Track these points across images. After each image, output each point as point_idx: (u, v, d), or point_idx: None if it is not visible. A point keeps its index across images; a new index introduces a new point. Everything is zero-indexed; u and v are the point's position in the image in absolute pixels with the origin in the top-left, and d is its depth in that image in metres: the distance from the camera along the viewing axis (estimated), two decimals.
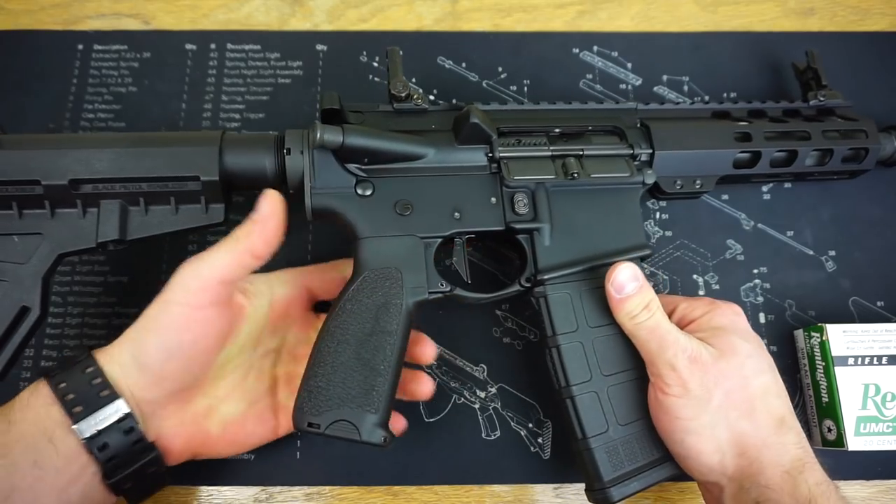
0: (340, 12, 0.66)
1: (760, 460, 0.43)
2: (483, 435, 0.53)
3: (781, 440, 0.44)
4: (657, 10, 0.68)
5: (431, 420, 0.53)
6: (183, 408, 0.46)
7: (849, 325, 0.53)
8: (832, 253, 0.59)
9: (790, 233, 0.60)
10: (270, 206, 0.45)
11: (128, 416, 0.42)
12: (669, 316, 0.48)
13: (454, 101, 0.62)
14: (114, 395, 0.42)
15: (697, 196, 0.55)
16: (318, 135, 0.45)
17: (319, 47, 0.64)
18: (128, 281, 0.56)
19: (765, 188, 0.61)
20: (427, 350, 0.51)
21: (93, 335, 0.54)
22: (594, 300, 0.48)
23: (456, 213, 0.49)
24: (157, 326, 0.43)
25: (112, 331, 0.54)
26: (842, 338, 0.53)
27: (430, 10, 0.67)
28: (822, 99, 0.57)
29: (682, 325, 0.48)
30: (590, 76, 0.64)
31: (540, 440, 0.53)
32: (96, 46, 0.63)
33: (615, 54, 0.65)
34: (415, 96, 0.51)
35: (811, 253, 0.59)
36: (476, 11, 0.67)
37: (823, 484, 0.43)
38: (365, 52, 0.64)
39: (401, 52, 0.52)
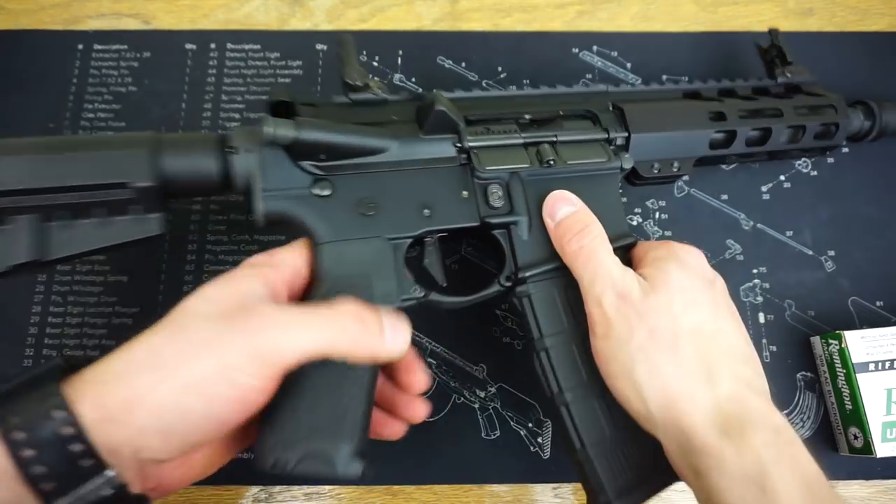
0: (340, 12, 0.66)
1: (689, 414, 0.37)
2: (483, 435, 0.53)
3: (715, 391, 0.37)
4: (657, 11, 0.68)
5: (431, 420, 0.53)
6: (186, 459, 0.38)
7: (866, 331, 0.53)
8: (831, 253, 0.59)
9: (789, 233, 0.60)
10: (398, 340, 0.38)
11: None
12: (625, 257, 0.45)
13: (419, 90, 0.62)
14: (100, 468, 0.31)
15: (675, 180, 0.54)
16: (269, 129, 0.40)
17: (319, 47, 0.64)
18: (128, 280, 0.56)
19: (764, 188, 0.61)
20: (417, 378, 0.44)
21: (93, 335, 0.54)
22: (579, 294, 0.44)
23: (425, 210, 0.45)
24: (192, 386, 0.33)
25: (112, 330, 0.55)
26: (860, 344, 0.53)
27: (429, 10, 0.67)
28: (789, 76, 0.57)
29: (635, 263, 0.45)
30: (589, 76, 0.64)
31: (539, 440, 0.53)
32: (96, 46, 0.63)
33: (615, 54, 0.65)
34: (373, 86, 0.47)
35: (810, 253, 0.59)
36: (476, 11, 0.67)
37: (775, 445, 0.35)
38: (364, 52, 0.64)
39: (353, 40, 0.49)
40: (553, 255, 0.45)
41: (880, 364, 0.52)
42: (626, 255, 0.46)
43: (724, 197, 0.61)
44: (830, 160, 0.62)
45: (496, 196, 0.46)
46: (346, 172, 0.44)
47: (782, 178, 0.61)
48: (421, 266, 0.46)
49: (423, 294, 0.44)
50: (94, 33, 0.63)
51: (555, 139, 0.48)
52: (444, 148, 0.47)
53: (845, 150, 0.62)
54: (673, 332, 0.39)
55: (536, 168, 0.47)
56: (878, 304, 0.58)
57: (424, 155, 0.46)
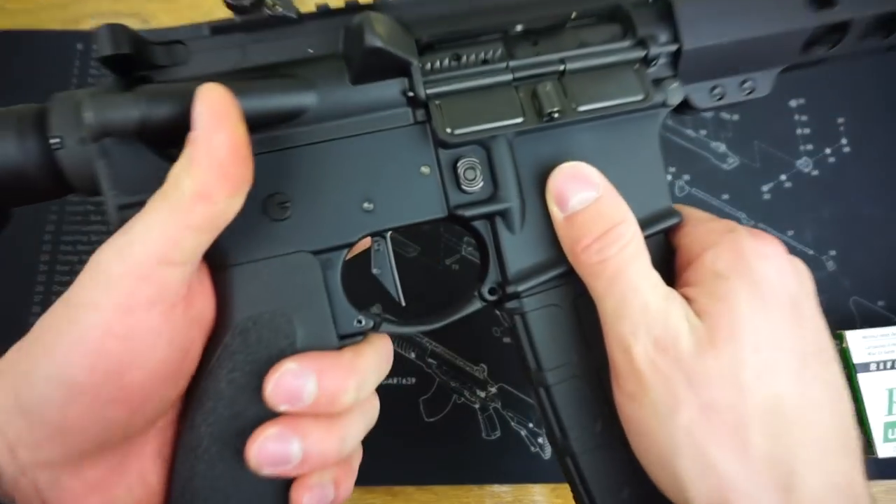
0: None
1: None
2: (483, 435, 0.53)
3: (793, 501, 0.27)
4: None
5: (431, 420, 0.53)
6: (109, 476, 0.30)
7: (868, 331, 0.53)
8: (832, 252, 0.59)
9: (791, 232, 0.60)
10: (214, 109, 0.27)
11: None
12: (674, 245, 0.33)
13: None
14: None
15: (739, 106, 0.38)
16: (91, 117, 0.28)
17: None
18: None
19: (765, 188, 0.61)
20: None
21: None
22: (595, 310, 0.32)
23: (366, 203, 0.32)
24: (57, 347, 0.27)
25: None
26: (862, 343, 0.52)
27: None
28: None
29: (682, 264, 0.33)
30: None
31: (540, 440, 0.53)
32: (96, 46, 0.62)
33: None
34: (271, 3, 0.31)
35: (812, 253, 0.59)
36: None
37: None
38: None
39: None
40: (559, 258, 0.33)
41: (882, 364, 0.52)
42: (667, 246, 0.34)
43: (725, 196, 0.60)
44: (832, 160, 0.62)
45: (472, 172, 0.33)
46: None
47: (783, 177, 0.61)
48: (374, 273, 0.35)
49: (371, 324, 0.33)
50: (94, 33, 0.63)
51: (562, 69, 0.32)
52: (388, 100, 0.32)
53: (847, 149, 0.62)
54: (739, 413, 0.28)
55: (533, 124, 0.32)
56: (879, 303, 0.58)
57: (358, 113, 0.32)
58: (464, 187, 0.33)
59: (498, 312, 0.37)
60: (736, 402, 0.28)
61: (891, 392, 0.52)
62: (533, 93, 0.32)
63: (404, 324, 0.35)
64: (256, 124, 0.30)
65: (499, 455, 0.53)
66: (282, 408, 0.30)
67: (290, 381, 0.30)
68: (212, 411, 0.31)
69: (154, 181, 0.29)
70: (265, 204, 0.31)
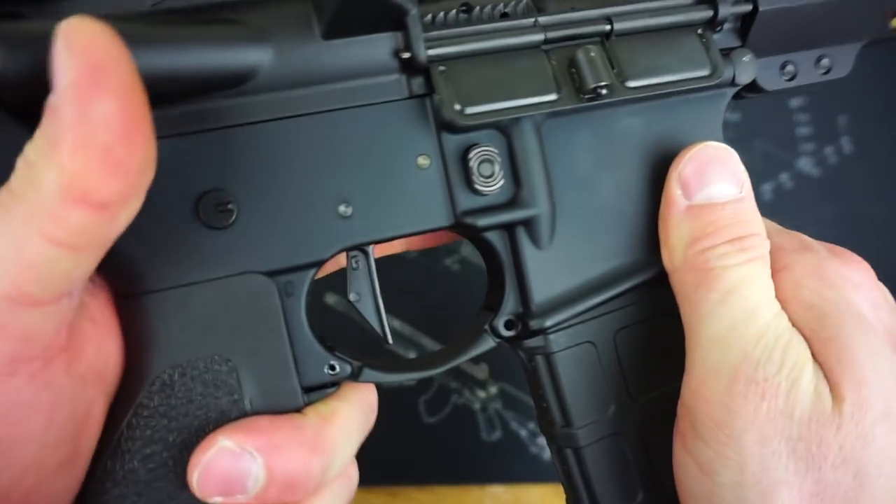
0: None
1: None
2: (483, 435, 0.53)
3: None
4: None
5: (431, 420, 0.53)
6: None
7: None
8: None
9: None
10: (88, 59, 0.17)
11: None
12: None
13: None
14: None
15: (813, 87, 0.31)
16: None
17: None
18: None
19: (766, 187, 0.61)
20: None
21: None
22: (643, 345, 0.27)
23: (342, 206, 0.24)
24: None
25: None
26: None
27: None
28: None
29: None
30: None
31: (540, 440, 0.53)
32: None
33: None
34: None
35: None
36: None
37: None
38: None
39: None
40: (602, 280, 0.26)
41: None
42: None
43: None
44: (833, 159, 0.62)
45: (489, 167, 0.25)
46: (166, 135, 0.22)
47: (784, 177, 0.61)
48: (350, 299, 0.26)
49: (348, 372, 0.25)
50: None
51: (608, 28, 0.25)
52: (373, 62, 0.24)
53: (848, 148, 0.62)
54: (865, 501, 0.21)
55: (571, 103, 0.25)
56: None
57: (331, 81, 0.24)
58: (477, 186, 0.25)
59: (515, 350, 0.28)
60: (854, 491, 0.21)
61: None
62: (571, 61, 0.24)
63: (393, 369, 0.26)
64: (181, 90, 0.22)
65: (499, 455, 0.53)
66: (215, 500, 0.22)
67: (224, 463, 0.22)
68: (121, 502, 0.23)
69: (8, 163, 0.19)
70: (197, 205, 0.23)
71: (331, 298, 0.51)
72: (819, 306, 0.24)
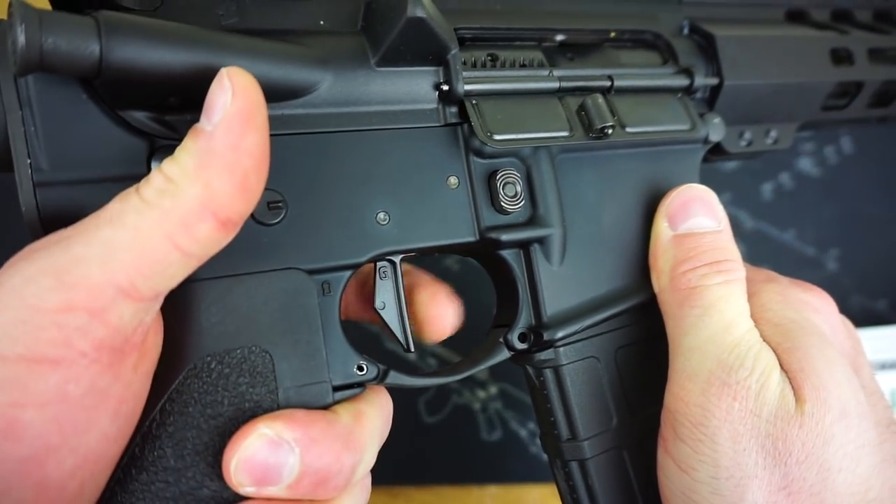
0: None
1: None
2: (483, 435, 0.53)
3: None
4: None
5: (431, 420, 0.53)
6: None
7: (869, 331, 0.53)
8: (834, 252, 0.59)
9: (792, 232, 0.59)
10: (247, 102, 0.21)
11: None
12: None
13: None
14: None
15: (759, 156, 0.37)
16: (21, 38, 0.19)
17: None
18: None
19: (766, 187, 0.61)
20: (444, 317, 0.31)
21: None
22: (640, 363, 0.29)
23: (381, 214, 0.26)
24: None
25: None
26: (865, 345, 0.52)
27: None
28: None
29: None
30: None
31: (539, 441, 0.53)
32: None
33: None
34: None
35: (813, 252, 0.59)
36: None
37: None
38: None
39: None
40: (606, 299, 0.29)
41: (884, 364, 0.52)
42: None
43: (726, 196, 0.60)
44: (833, 159, 0.62)
45: (512, 188, 0.28)
46: None
47: (784, 177, 0.61)
48: (375, 308, 0.28)
49: (375, 374, 0.27)
50: None
51: (609, 84, 0.30)
52: (416, 91, 0.27)
53: (848, 148, 0.62)
54: (820, 501, 0.23)
55: (581, 139, 0.29)
56: (881, 303, 0.58)
57: (379, 103, 0.27)
58: (503, 204, 0.28)
59: (524, 367, 0.30)
60: (818, 485, 0.23)
61: (893, 392, 0.51)
62: (581, 106, 0.29)
63: (418, 374, 0.28)
64: None
65: (499, 455, 0.53)
66: (247, 490, 0.22)
67: (263, 451, 0.22)
68: (145, 490, 0.22)
69: (96, 152, 0.22)
70: None
71: None
72: (783, 324, 0.27)
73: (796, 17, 0.37)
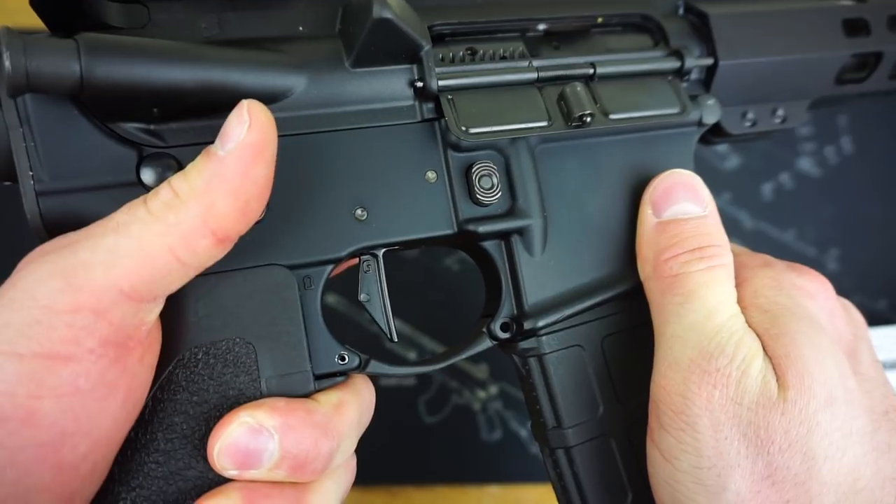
0: None
1: None
2: (483, 435, 0.53)
3: None
4: None
5: (431, 420, 0.53)
6: None
7: (870, 331, 0.52)
8: (834, 252, 0.59)
9: (792, 232, 0.59)
10: (260, 136, 0.23)
11: None
12: None
13: None
14: None
15: (771, 135, 0.35)
16: (8, 63, 0.21)
17: None
18: None
19: (766, 187, 0.61)
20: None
21: None
22: (629, 351, 0.29)
23: (359, 210, 0.27)
24: None
25: None
26: None
27: None
28: None
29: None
30: None
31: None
32: None
33: None
34: None
35: (813, 252, 0.59)
36: None
37: None
38: None
39: None
40: (589, 287, 0.29)
41: (884, 364, 0.52)
42: None
43: (726, 196, 0.60)
44: (833, 159, 0.62)
45: (487, 181, 0.28)
46: (205, 141, 0.24)
47: (784, 177, 0.61)
48: (360, 300, 0.29)
49: (357, 363, 0.27)
50: None
51: (591, 72, 0.29)
52: (391, 90, 0.28)
53: (848, 148, 0.62)
54: (805, 491, 0.23)
55: (560, 129, 0.28)
56: (881, 303, 0.58)
57: (355, 103, 0.27)
58: (479, 196, 0.28)
59: (511, 355, 0.31)
60: (803, 475, 0.23)
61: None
62: (560, 95, 0.29)
63: (397, 363, 0.29)
64: (229, 100, 0.24)
65: (499, 455, 0.53)
66: (230, 473, 0.24)
67: (244, 438, 0.24)
68: (139, 470, 0.24)
69: (90, 162, 0.24)
70: None
71: (331, 298, 0.51)
72: (772, 310, 0.26)
73: None
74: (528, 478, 0.53)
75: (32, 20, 0.70)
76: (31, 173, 0.24)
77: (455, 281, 0.49)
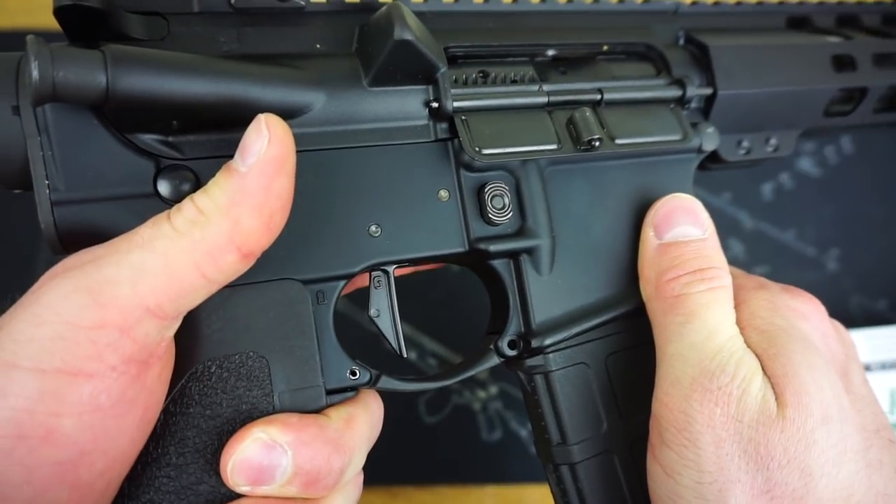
0: None
1: None
2: (483, 435, 0.53)
3: None
4: None
5: (431, 420, 0.53)
6: None
7: (869, 330, 0.52)
8: (834, 252, 0.59)
9: (792, 232, 0.59)
10: (280, 149, 0.23)
11: None
12: None
13: None
14: None
15: (761, 163, 0.37)
16: (36, 73, 0.21)
17: None
18: None
19: (766, 187, 0.61)
20: None
21: None
22: (631, 369, 0.30)
23: (373, 226, 0.28)
24: None
25: None
26: (864, 344, 0.52)
27: None
28: None
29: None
30: None
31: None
32: None
33: None
34: None
35: (813, 252, 0.59)
36: None
37: None
38: None
39: None
40: (595, 307, 0.30)
41: (884, 364, 0.52)
42: None
43: (726, 196, 0.60)
44: (833, 159, 0.62)
45: (498, 201, 0.29)
46: (222, 154, 0.25)
47: (784, 177, 0.61)
48: (370, 315, 0.29)
49: (367, 378, 0.28)
50: None
51: (599, 98, 0.31)
52: (407, 109, 0.28)
53: (848, 148, 0.62)
54: None
55: (570, 152, 0.29)
56: (881, 303, 0.58)
57: (371, 121, 0.28)
58: (490, 216, 0.28)
59: (517, 373, 0.31)
60: (801, 490, 0.23)
61: (893, 392, 0.51)
62: (569, 119, 0.30)
63: (408, 379, 0.29)
64: (249, 114, 0.24)
65: (499, 455, 0.53)
66: (242, 489, 0.24)
67: (258, 454, 0.24)
68: (150, 484, 0.24)
69: (107, 172, 0.24)
70: None
71: None
72: (769, 331, 0.27)
73: (798, 23, 0.37)
74: (528, 478, 0.53)
75: (32, 21, 0.70)
76: (47, 182, 0.24)
77: (456, 281, 0.49)
